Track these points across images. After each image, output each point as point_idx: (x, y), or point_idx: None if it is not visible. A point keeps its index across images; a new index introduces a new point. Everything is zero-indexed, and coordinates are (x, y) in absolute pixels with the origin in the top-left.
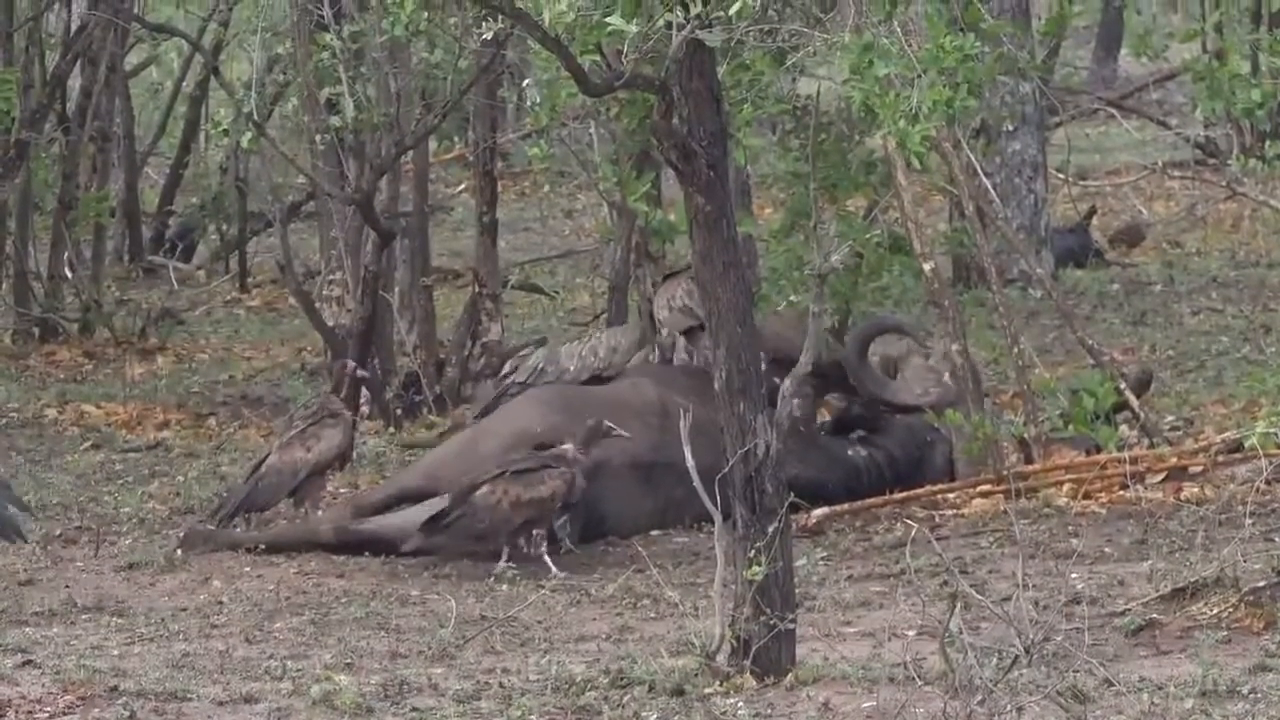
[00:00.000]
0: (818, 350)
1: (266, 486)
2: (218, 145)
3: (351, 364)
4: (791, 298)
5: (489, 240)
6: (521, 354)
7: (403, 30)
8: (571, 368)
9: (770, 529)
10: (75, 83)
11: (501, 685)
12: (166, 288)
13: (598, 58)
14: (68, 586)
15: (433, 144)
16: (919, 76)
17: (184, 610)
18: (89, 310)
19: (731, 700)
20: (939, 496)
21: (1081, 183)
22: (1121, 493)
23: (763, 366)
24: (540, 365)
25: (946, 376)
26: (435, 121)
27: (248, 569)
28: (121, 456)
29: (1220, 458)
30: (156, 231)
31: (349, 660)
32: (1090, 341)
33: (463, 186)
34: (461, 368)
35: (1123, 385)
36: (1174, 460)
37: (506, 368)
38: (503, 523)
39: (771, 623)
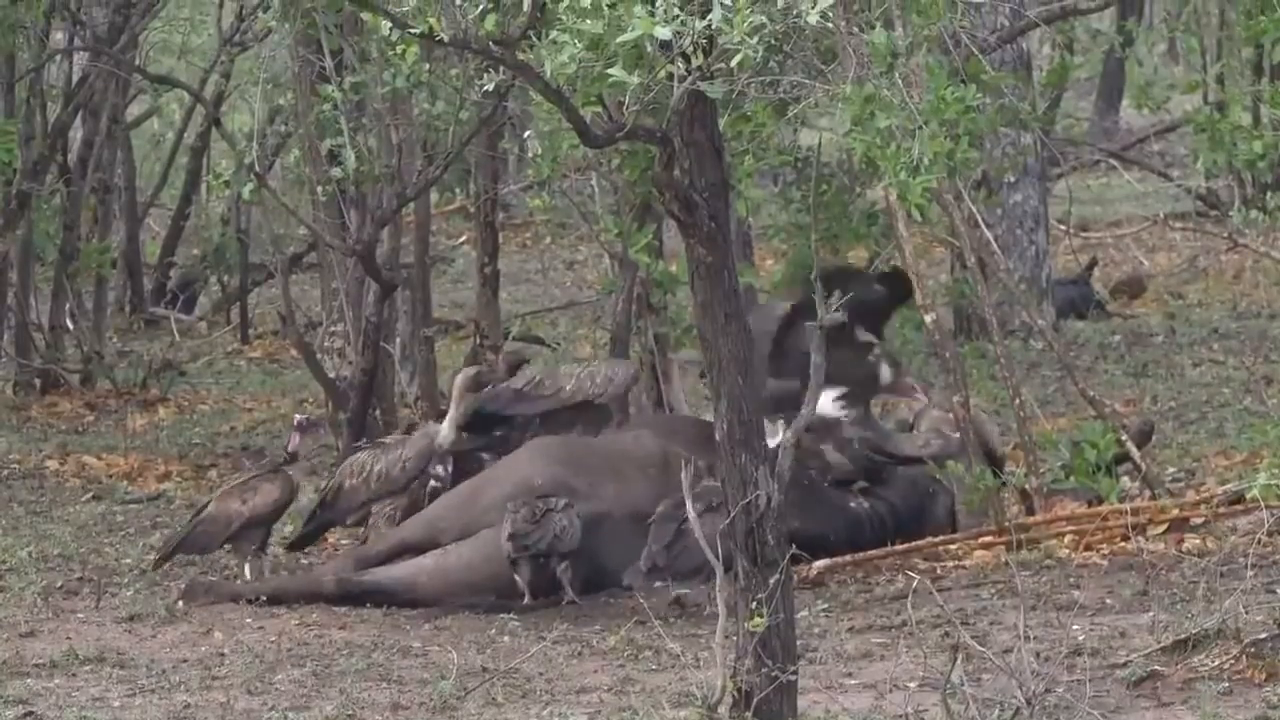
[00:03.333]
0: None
1: (201, 534)
2: (219, 196)
3: (299, 417)
4: None
5: (490, 291)
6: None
7: (404, 82)
8: (567, 387)
9: (772, 580)
10: (77, 134)
11: None
12: (168, 339)
13: (599, 109)
14: (69, 638)
15: (434, 195)
16: (920, 128)
17: (185, 662)
18: (90, 361)
19: None
20: (941, 548)
21: (1083, 234)
22: (1123, 544)
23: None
24: (538, 378)
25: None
26: (437, 173)
27: (249, 620)
28: (123, 508)
29: (1222, 509)
30: (158, 283)
31: (350, 712)
32: (1092, 393)
33: (464, 238)
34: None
35: (1124, 437)
36: (1175, 512)
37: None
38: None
39: (773, 674)
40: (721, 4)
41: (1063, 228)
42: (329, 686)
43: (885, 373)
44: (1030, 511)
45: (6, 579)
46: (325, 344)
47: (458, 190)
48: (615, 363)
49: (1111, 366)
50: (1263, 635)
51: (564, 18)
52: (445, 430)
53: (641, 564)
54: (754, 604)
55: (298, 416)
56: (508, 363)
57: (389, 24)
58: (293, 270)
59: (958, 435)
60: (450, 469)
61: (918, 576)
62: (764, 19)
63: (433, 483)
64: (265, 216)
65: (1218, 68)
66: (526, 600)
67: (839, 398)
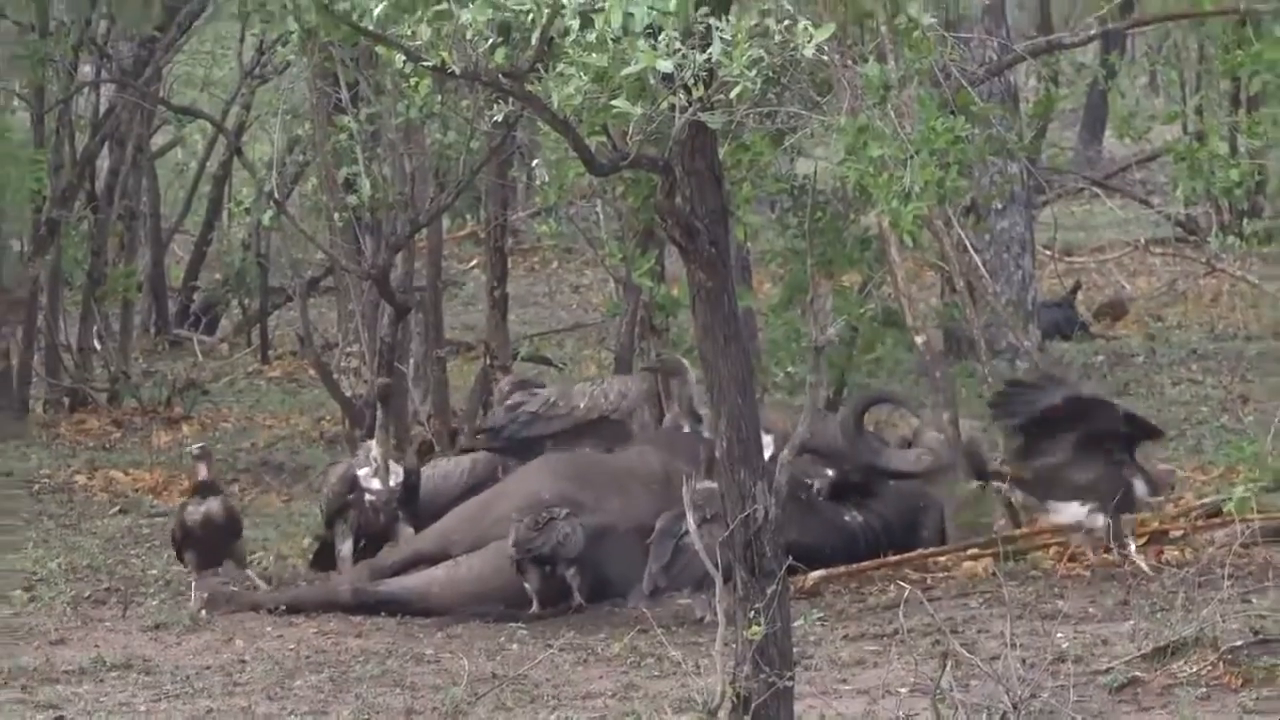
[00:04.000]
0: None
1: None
2: (240, 223)
3: (195, 447)
4: (789, 369)
5: (499, 314)
6: (534, 390)
7: (417, 112)
8: (582, 405)
9: (769, 591)
10: (104, 163)
11: None
12: (191, 359)
13: (604, 139)
14: (97, 645)
15: (446, 221)
16: (911, 157)
17: (208, 668)
18: (117, 381)
19: None
20: (931, 560)
21: (1067, 259)
22: (1105, 555)
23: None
24: (553, 399)
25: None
26: (448, 200)
27: (269, 629)
28: (148, 521)
29: (1200, 522)
30: (182, 305)
31: (366, 717)
32: None
33: (474, 262)
34: (473, 436)
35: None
36: (1155, 525)
37: (519, 398)
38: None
39: (770, 680)
40: (721, 38)
41: (1048, 253)
42: (345, 692)
43: (1141, 488)
44: (1017, 524)
45: (37, 589)
46: (342, 364)
47: (468, 216)
48: (626, 378)
49: (1094, 386)
50: (1239, 643)
51: (570, 51)
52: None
53: (644, 586)
54: (752, 613)
55: (195, 446)
56: (511, 385)
57: (403, 57)
58: (310, 293)
59: (948, 452)
60: (393, 482)
61: (909, 587)
62: (762, 53)
63: (368, 496)
64: (284, 242)
65: (1196, 99)
66: (535, 608)
67: (1090, 510)
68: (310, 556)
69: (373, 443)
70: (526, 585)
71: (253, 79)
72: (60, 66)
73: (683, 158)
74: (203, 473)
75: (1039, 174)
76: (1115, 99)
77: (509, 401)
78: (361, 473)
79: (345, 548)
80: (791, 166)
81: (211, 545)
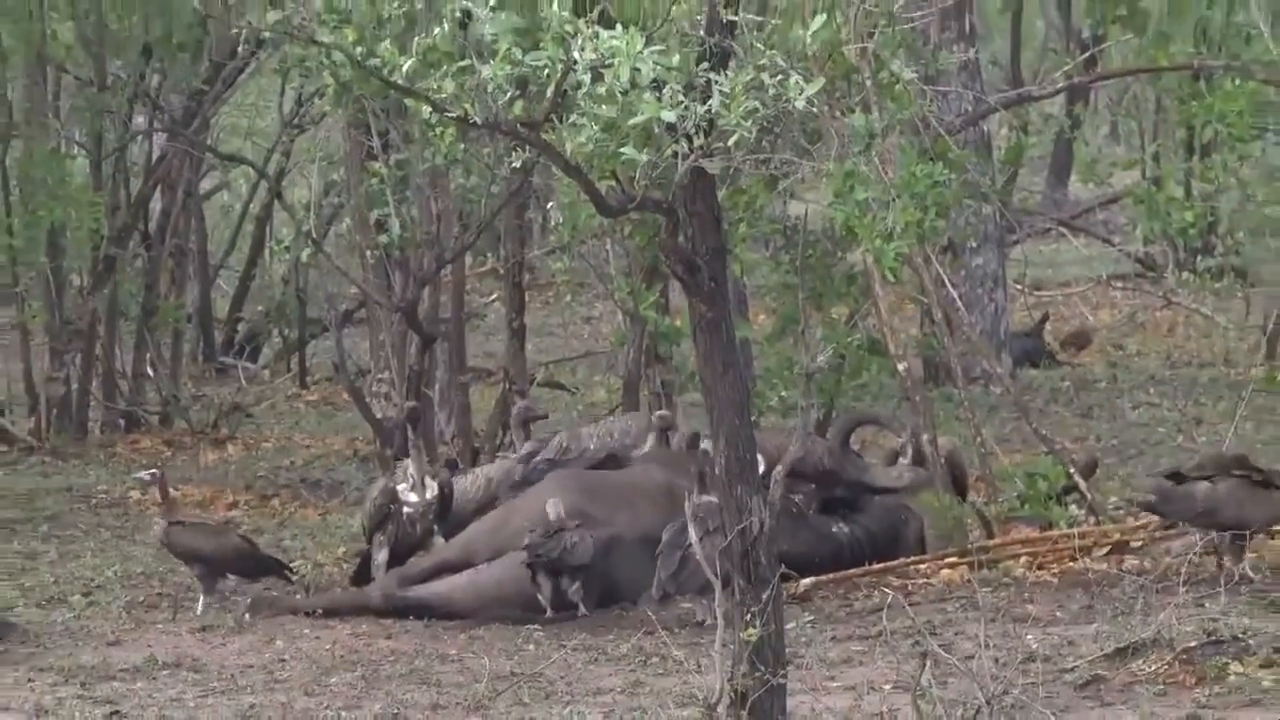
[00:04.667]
0: (805, 442)
1: None
2: (281, 260)
3: (143, 475)
4: (783, 394)
5: (518, 343)
6: (549, 435)
7: (443, 159)
8: (591, 446)
9: (764, 596)
10: (156, 205)
11: None
12: (236, 385)
13: (613, 183)
14: (149, 646)
15: (468, 259)
16: (894, 200)
17: (251, 667)
18: (168, 404)
19: None
20: (911, 568)
21: (1036, 293)
22: (1071, 564)
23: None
24: (565, 444)
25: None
26: (471, 239)
27: (307, 631)
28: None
29: (1158, 534)
30: (227, 335)
31: (395, 711)
32: (1043, 432)
33: (495, 296)
34: (493, 455)
35: (1072, 470)
36: (1117, 536)
37: (532, 446)
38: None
39: (765, 678)
40: (720, 91)
41: (1018, 287)
42: (376, 689)
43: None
44: (990, 535)
45: (95, 595)
46: (373, 389)
47: (489, 254)
48: (629, 417)
49: (1061, 409)
50: (1193, 644)
51: (582, 103)
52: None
53: (654, 593)
54: (749, 616)
55: (143, 474)
56: (521, 419)
57: (429, 109)
58: (345, 324)
59: (926, 469)
60: (429, 495)
61: (891, 592)
62: (757, 104)
63: (406, 509)
64: (321, 277)
65: (1154, 147)
66: (548, 613)
67: None
68: (351, 574)
69: (409, 460)
70: (539, 593)
71: (292, 128)
72: (116, 117)
73: (685, 200)
74: (158, 495)
75: (1010, 215)
76: (1080, 147)
77: (525, 450)
78: (400, 488)
79: (381, 556)
80: (784, 208)
81: (209, 566)
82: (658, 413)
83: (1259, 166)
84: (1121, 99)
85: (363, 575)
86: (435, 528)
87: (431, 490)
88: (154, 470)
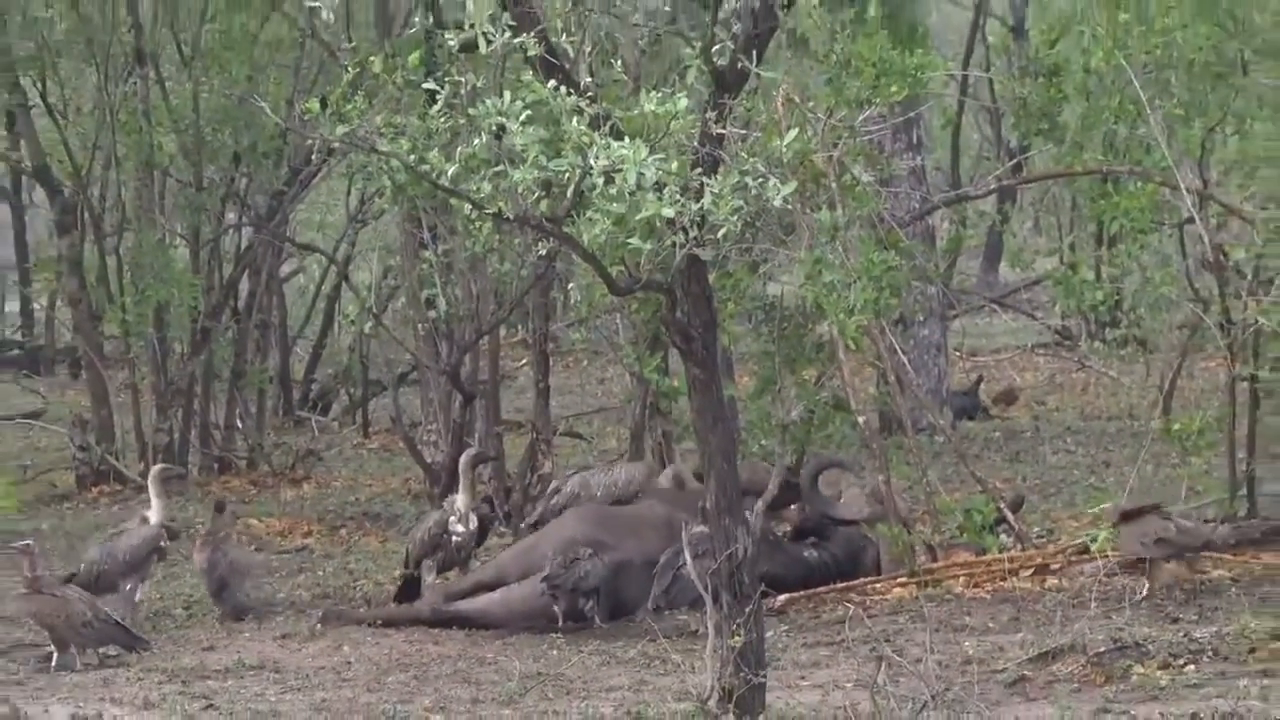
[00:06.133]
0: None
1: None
2: (347, 331)
3: (19, 545)
4: (763, 442)
5: (543, 400)
6: (558, 484)
7: (480, 248)
8: (599, 493)
9: (747, 610)
10: (244, 286)
11: None
12: (310, 434)
13: (622, 267)
14: (238, 651)
15: (502, 330)
16: (855, 282)
17: (322, 668)
18: (254, 451)
19: None
20: (869, 586)
21: (972, 358)
22: (1001, 583)
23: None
24: (576, 491)
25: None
26: (504, 314)
27: (369, 638)
28: (277, 557)
29: (1073, 558)
30: (303, 393)
31: (442, 705)
32: (978, 474)
33: (524, 361)
34: (523, 493)
35: (1002, 505)
36: (1040, 559)
37: (555, 485)
38: None
39: (748, 678)
40: (711, 192)
41: (957, 354)
42: (426, 686)
43: None
44: (934, 559)
45: (194, 608)
46: (424, 438)
47: (519, 327)
48: (630, 466)
49: (993, 455)
50: (1103, 649)
51: (596, 202)
52: (460, 501)
53: (649, 604)
54: (734, 627)
55: (18, 544)
56: (470, 462)
57: (470, 206)
58: (400, 384)
59: (882, 505)
60: (471, 527)
61: (852, 607)
62: (741, 202)
63: (454, 538)
64: (380, 346)
65: (1070, 238)
66: (562, 624)
67: None
68: (395, 593)
69: (458, 497)
70: (555, 609)
71: (356, 222)
72: (211, 214)
73: (682, 282)
74: (30, 568)
75: (950, 294)
76: (1008, 237)
77: (548, 491)
78: (450, 520)
79: (430, 577)
80: (764, 289)
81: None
82: (673, 466)
83: (1156, 254)
84: (1043, 198)
85: (405, 593)
86: (474, 554)
87: (473, 523)
88: (27, 542)
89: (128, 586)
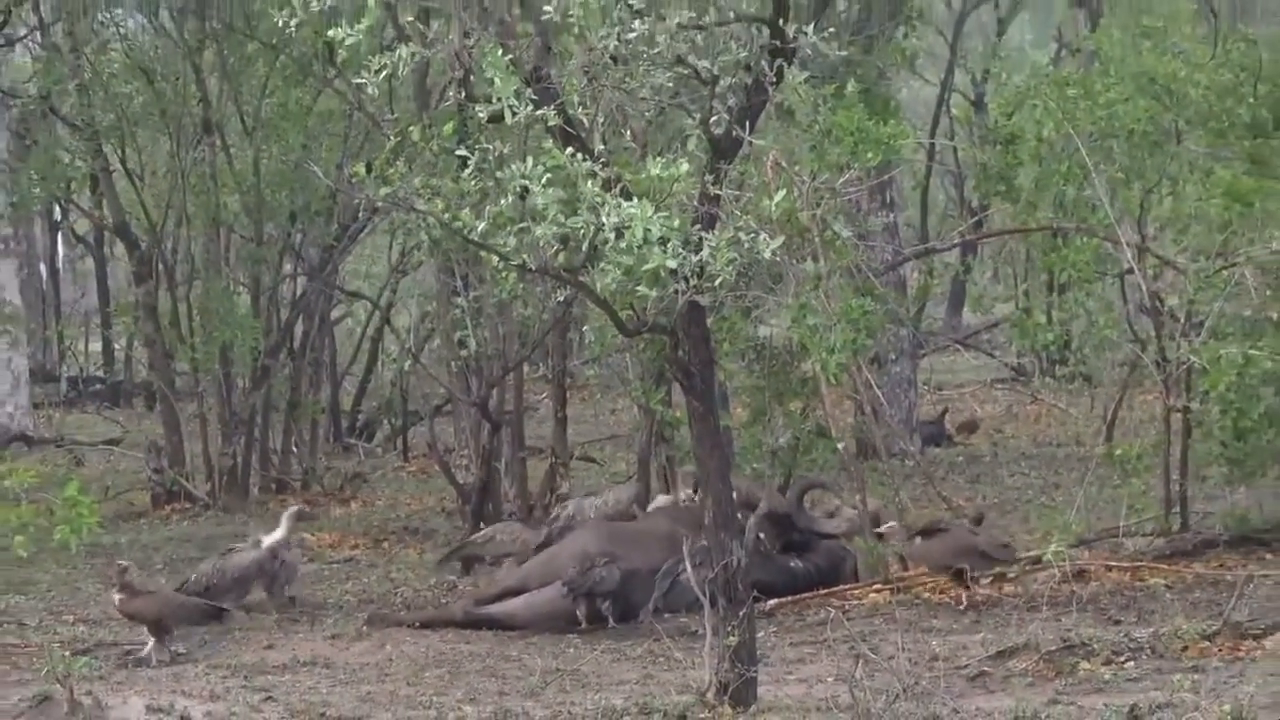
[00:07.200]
0: (771, 500)
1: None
2: (389, 368)
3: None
4: (754, 465)
5: (561, 429)
6: (558, 510)
7: (506, 295)
8: (592, 513)
9: (741, 613)
10: (299, 329)
11: (570, 713)
12: (357, 459)
13: (631, 312)
14: (294, 649)
15: (526, 367)
16: (835, 324)
17: (367, 664)
18: (308, 473)
19: None
20: (848, 593)
21: (938, 392)
22: (964, 590)
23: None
24: (574, 513)
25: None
26: (527, 353)
27: (408, 638)
28: (328, 566)
29: (1028, 567)
30: (350, 423)
31: (473, 697)
32: (944, 494)
33: (544, 394)
34: (544, 510)
35: (965, 521)
36: (998, 569)
37: (555, 511)
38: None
39: (741, 673)
40: (709, 246)
41: (926, 388)
42: (459, 680)
43: None
44: (905, 569)
45: (253, 612)
46: (456, 462)
47: (540, 364)
48: (619, 489)
49: (957, 477)
50: (1054, 648)
51: (608, 254)
52: (274, 537)
53: (649, 607)
54: (729, 628)
55: (118, 564)
56: (295, 517)
57: (497, 258)
58: (435, 415)
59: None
60: (281, 560)
61: (834, 611)
62: (736, 255)
63: (274, 564)
64: (418, 381)
65: (1024, 286)
66: (583, 626)
67: None
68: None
69: (274, 534)
70: (577, 612)
71: (397, 272)
72: (270, 265)
73: (683, 325)
74: (119, 577)
75: (920, 335)
76: (970, 285)
77: (551, 515)
78: (261, 555)
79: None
80: (755, 331)
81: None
82: (686, 493)
83: (1100, 300)
84: (1001, 251)
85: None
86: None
87: (284, 559)
88: (123, 563)
89: (230, 600)
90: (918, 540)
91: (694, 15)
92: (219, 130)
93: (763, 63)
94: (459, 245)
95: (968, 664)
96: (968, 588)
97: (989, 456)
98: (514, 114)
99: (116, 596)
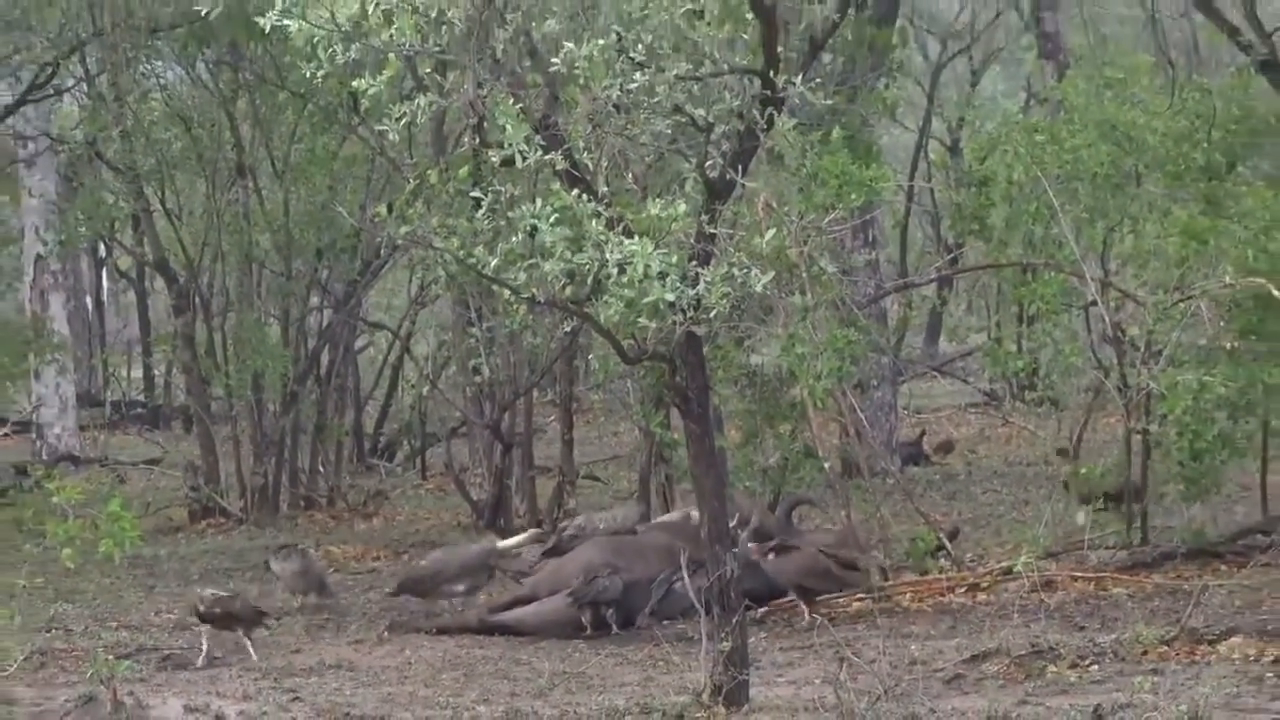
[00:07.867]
0: (762, 515)
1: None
2: (409, 393)
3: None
4: (747, 484)
5: (568, 449)
6: (565, 524)
7: (517, 326)
8: (600, 527)
9: (734, 620)
10: (325, 357)
11: (576, 713)
12: (379, 477)
13: (632, 341)
14: (320, 653)
15: (535, 393)
16: (822, 353)
17: (388, 668)
18: (333, 491)
19: None
20: (833, 601)
21: (917, 415)
22: (941, 598)
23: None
24: (584, 526)
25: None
26: (536, 379)
27: (426, 643)
28: (352, 576)
29: (999, 577)
30: (373, 444)
31: (486, 698)
32: (922, 510)
33: (552, 417)
34: (552, 524)
35: (941, 535)
36: (972, 579)
37: (565, 524)
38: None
39: (734, 676)
40: (704, 280)
41: (905, 412)
42: (474, 682)
43: None
44: (886, 578)
45: (284, 619)
46: (471, 480)
47: (549, 389)
48: (627, 506)
49: (933, 494)
50: (1024, 652)
51: (612, 289)
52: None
53: (646, 611)
54: (723, 634)
55: (205, 595)
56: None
57: (509, 292)
58: (452, 436)
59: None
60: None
61: (819, 617)
62: (729, 289)
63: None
64: (435, 405)
65: (996, 317)
66: (588, 631)
67: None
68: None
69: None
70: (583, 619)
71: (416, 305)
72: (298, 298)
73: (681, 354)
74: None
75: (900, 363)
76: (946, 317)
77: (560, 526)
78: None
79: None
80: (747, 359)
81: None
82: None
83: (1066, 331)
84: (974, 285)
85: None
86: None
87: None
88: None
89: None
90: (770, 557)
91: (691, 67)
92: (251, 173)
93: (754, 111)
94: (473, 280)
95: (944, 667)
96: (811, 606)
97: (964, 475)
98: (524, 158)
99: (200, 608)
